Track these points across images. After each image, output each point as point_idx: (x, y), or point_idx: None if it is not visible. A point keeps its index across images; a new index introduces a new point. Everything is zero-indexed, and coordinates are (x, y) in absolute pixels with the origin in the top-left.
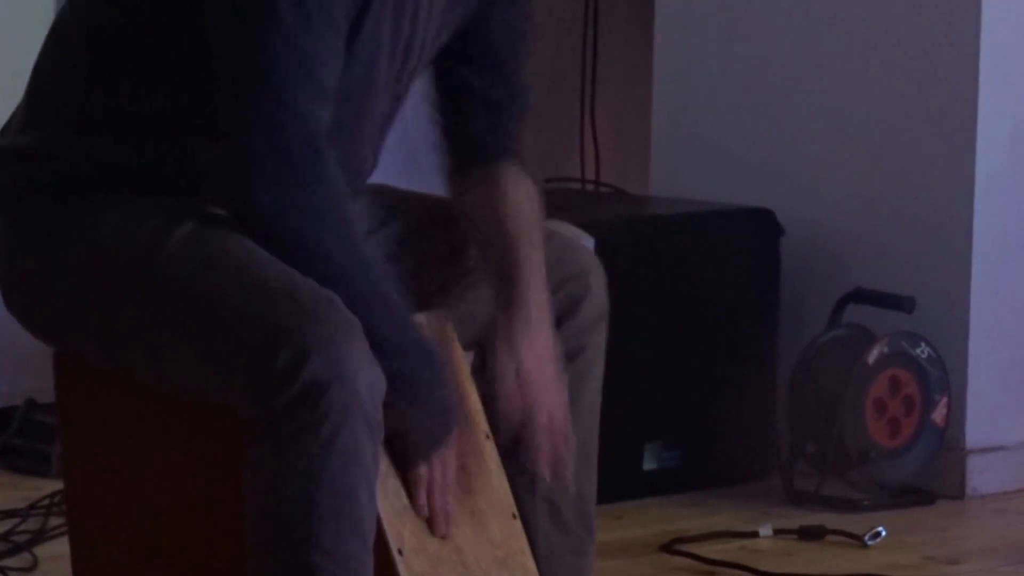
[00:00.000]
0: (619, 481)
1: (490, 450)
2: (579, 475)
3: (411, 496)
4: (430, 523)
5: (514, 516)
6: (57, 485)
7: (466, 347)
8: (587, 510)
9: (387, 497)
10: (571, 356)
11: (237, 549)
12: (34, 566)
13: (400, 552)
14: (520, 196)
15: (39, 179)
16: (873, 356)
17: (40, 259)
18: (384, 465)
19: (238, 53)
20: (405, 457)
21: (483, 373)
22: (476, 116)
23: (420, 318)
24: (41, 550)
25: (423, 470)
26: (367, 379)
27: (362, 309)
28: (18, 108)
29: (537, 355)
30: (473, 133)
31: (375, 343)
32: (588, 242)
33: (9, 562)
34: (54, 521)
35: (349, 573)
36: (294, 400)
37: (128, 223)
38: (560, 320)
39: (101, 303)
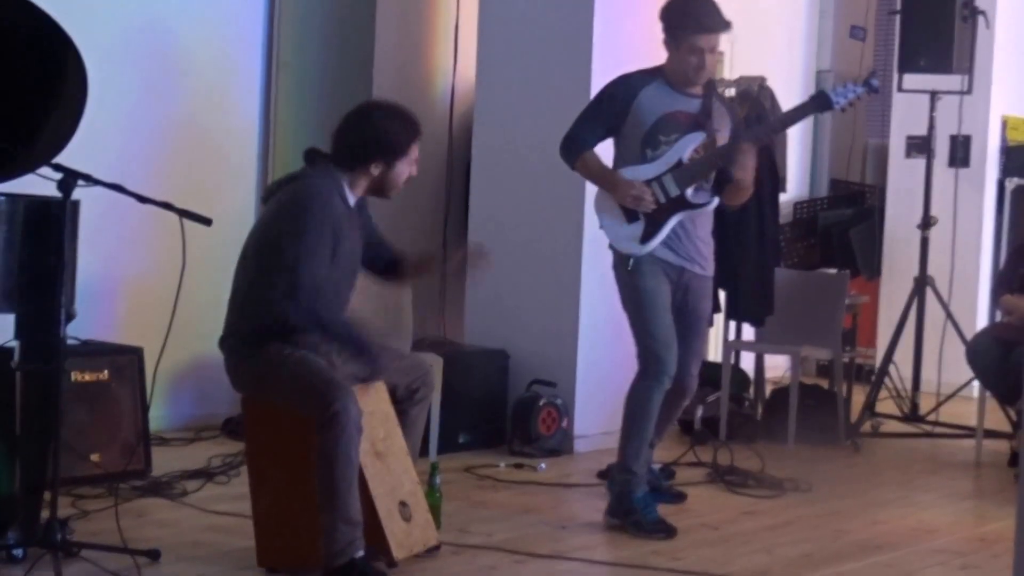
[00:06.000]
0: (450, 448)
1: (395, 418)
2: (415, 446)
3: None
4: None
5: (407, 454)
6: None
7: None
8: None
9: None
10: (418, 402)
11: None
12: (238, 476)
13: (364, 468)
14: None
15: (245, 335)
16: (524, 403)
17: (245, 364)
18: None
19: (290, 294)
20: (377, 376)
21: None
22: (383, 250)
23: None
24: (244, 470)
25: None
26: (355, 410)
27: (353, 344)
28: (231, 308)
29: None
30: (386, 256)
31: (361, 352)
32: (439, 361)
33: (229, 474)
34: None
35: (347, 480)
36: (329, 419)
37: (276, 351)
38: (418, 388)
39: (266, 379)
